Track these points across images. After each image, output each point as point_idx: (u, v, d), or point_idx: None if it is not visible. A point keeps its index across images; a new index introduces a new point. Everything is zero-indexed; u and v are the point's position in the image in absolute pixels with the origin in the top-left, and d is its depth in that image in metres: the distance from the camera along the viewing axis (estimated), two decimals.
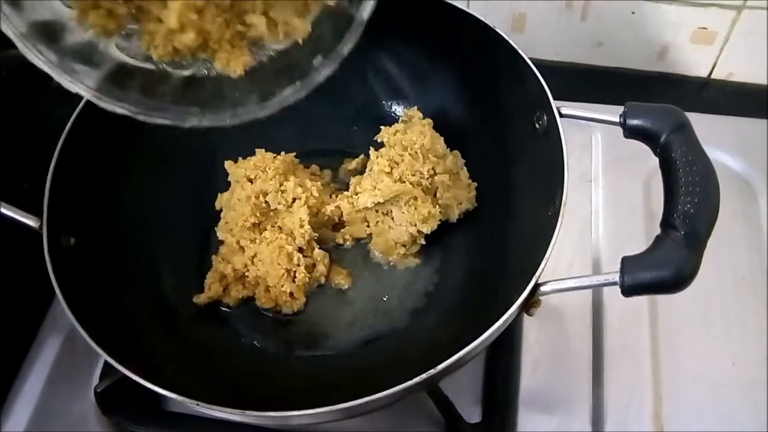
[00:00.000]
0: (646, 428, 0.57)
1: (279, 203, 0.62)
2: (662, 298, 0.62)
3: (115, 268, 0.57)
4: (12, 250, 0.58)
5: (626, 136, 0.50)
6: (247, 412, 0.44)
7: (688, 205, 0.44)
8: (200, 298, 0.61)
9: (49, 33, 0.41)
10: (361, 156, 0.68)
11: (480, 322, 0.46)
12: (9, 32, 0.39)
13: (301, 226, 0.61)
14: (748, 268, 0.65)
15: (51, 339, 0.63)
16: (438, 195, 0.63)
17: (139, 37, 0.43)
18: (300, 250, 0.62)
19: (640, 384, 0.59)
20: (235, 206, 0.63)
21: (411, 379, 0.43)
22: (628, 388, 0.59)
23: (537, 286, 0.47)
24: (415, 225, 0.62)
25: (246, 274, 0.61)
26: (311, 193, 0.62)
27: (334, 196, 0.65)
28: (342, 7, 0.44)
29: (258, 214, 0.62)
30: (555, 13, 0.76)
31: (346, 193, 0.64)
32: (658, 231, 0.45)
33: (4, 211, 0.52)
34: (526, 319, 0.61)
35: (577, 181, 0.70)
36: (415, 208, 0.61)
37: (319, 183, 0.64)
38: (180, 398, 0.44)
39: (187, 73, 0.46)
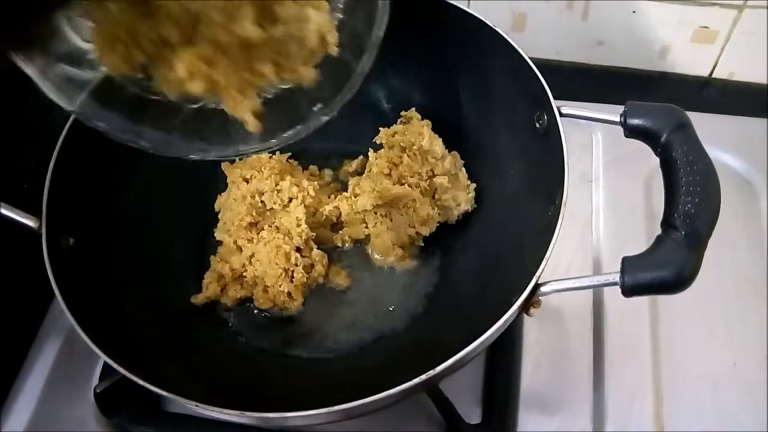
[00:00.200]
0: (647, 428, 0.57)
1: (275, 203, 0.62)
2: (663, 299, 0.62)
3: (115, 269, 0.57)
4: (11, 251, 0.58)
5: (627, 136, 0.49)
6: (247, 413, 0.44)
7: (689, 205, 0.44)
8: (198, 299, 0.61)
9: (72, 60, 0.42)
10: (360, 157, 0.68)
11: (480, 322, 0.46)
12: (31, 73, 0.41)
13: (298, 226, 0.61)
14: (749, 268, 0.65)
15: (50, 340, 0.63)
16: (437, 196, 0.63)
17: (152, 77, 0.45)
18: (298, 250, 0.62)
19: (640, 384, 0.59)
20: (231, 206, 0.63)
21: (411, 379, 0.43)
22: (628, 389, 0.59)
23: (537, 286, 0.47)
24: (414, 227, 0.62)
25: (244, 274, 0.61)
26: (308, 193, 0.62)
27: (333, 196, 0.65)
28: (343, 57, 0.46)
29: (254, 214, 0.62)
30: (556, 13, 0.76)
31: (345, 193, 0.64)
32: (658, 231, 0.45)
33: (3, 211, 0.52)
34: (527, 320, 0.61)
35: (577, 180, 0.70)
36: (414, 210, 0.61)
37: (315, 183, 0.64)
38: (179, 399, 0.44)
39: (195, 106, 0.47)
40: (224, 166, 0.65)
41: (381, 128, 0.64)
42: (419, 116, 0.66)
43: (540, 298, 0.47)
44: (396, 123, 0.66)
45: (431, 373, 0.43)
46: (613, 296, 0.62)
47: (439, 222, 0.63)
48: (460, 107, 0.67)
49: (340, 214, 0.64)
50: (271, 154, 0.64)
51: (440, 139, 0.64)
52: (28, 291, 0.62)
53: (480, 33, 0.59)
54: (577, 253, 0.66)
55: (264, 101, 0.46)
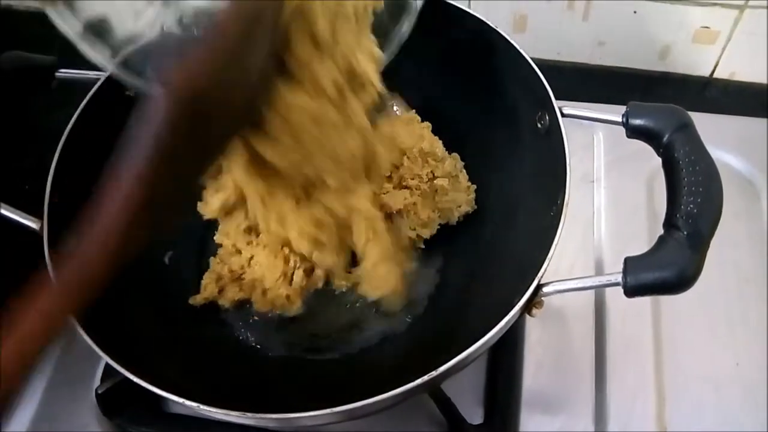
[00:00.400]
0: (649, 429, 0.57)
1: None
2: (665, 299, 0.62)
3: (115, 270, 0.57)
4: (12, 252, 0.58)
5: (629, 136, 0.49)
6: (248, 414, 0.44)
7: (691, 205, 0.44)
8: (196, 299, 0.61)
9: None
10: None
11: (482, 323, 0.46)
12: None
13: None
14: (751, 268, 0.65)
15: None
16: (437, 198, 0.62)
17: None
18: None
19: (642, 385, 0.59)
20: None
21: (413, 380, 0.43)
22: (630, 389, 0.59)
23: (539, 286, 0.47)
24: (415, 229, 0.61)
25: (243, 276, 0.61)
26: None
27: None
28: None
29: (250, 215, 0.61)
30: (557, 13, 0.76)
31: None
32: (660, 231, 0.45)
33: (4, 212, 0.52)
34: (529, 320, 0.61)
35: (579, 181, 0.70)
36: (415, 213, 0.61)
37: None
38: (181, 400, 0.44)
39: None
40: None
41: None
42: (419, 118, 0.66)
43: (542, 298, 0.47)
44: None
45: (433, 373, 0.43)
46: (615, 297, 0.62)
47: (440, 224, 0.63)
48: (461, 108, 0.67)
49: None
50: None
51: (440, 141, 0.64)
52: None
53: (481, 33, 0.59)
54: (579, 253, 0.66)
55: None
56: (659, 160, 0.48)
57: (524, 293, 0.46)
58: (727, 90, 0.79)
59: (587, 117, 0.53)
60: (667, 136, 0.47)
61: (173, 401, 0.45)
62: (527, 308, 0.48)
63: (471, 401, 0.58)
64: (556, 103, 0.53)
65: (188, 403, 0.44)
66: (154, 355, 0.54)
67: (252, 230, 0.62)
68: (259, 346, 0.60)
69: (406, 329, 0.60)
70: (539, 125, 0.56)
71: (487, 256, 0.61)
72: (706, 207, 0.44)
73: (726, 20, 0.73)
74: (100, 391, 0.57)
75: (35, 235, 0.51)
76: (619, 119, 0.49)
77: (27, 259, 0.51)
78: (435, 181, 0.62)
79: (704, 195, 0.44)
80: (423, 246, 0.63)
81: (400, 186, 0.61)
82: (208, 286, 0.61)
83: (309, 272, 0.61)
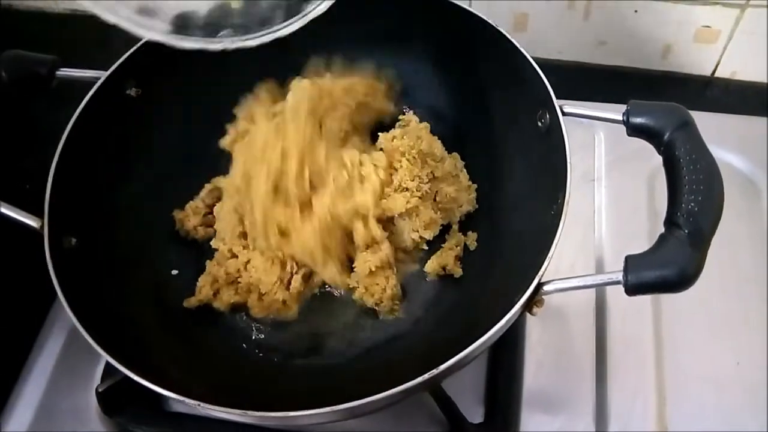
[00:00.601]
0: (650, 428, 0.57)
1: None
2: (666, 298, 0.62)
3: (117, 269, 0.57)
4: (13, 251, 0.58)
5: (629, 135, 0.49)
6: (249, 413, 0.44)
7: (692, 204, 0.44)
8: (190, 301, 0.60)
9: None
10: None
11: (482, 321, 0.46)
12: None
13: None
14: (751, 267, 0.65)
15: (52, 339, 0.63)
16: (438, 198, 0.62)
17: None
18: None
19: (643, 384, 0.59)
20: (225, 216, 0.62)
21: (413, 378, 0.43)
22: (631, 388, 0.59)
23: (540, 285, 0.46)
24: (417, 231, 0.61)
25: (239, 279, 0.60)
26: None
27: None
28: None
29: (246, 224, 0.61)
30: (558, 12, 0.76)
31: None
32: (661, 230, 0.45)
33: (5, 211, 0.52)
34: (529, 319, 0.61)
35: (579, 180, 0.70)
36: (417, 215, 0.61)
37: None
38: (182, 398, 0.44)
39: None
40: (218, 178, 0.65)
41: (380, 133, 0.64)
42: (417, 119, 0.65)
43: (543, 297, 0.47)
44: (394, 127, 0.65)
45: (434, 372, 0.43)
46: (616, 295, 0.62)
47: (441, 224, 0.63)
48: (461, 107, 0.67)
49: None
50: None
51: (439, 141, 0.64)
52: (30, 291, 0.62)
53: (482, 32, 0.59)
54: (580, 252, 0.66)
55: None
56: (660, 158, 0.48)
57: (525, 291, 0.46)
58: (728, 89, 0.79)
59: (588, 115, 0.53)
60: (667, 134, 0.47)
61: (174, 399, 0.45)
62: (528, 307, 0.48)
63: (471, 400, 0.58)
64: (556, 102, 0.53)
65: (189, 401, 0.44)
66: (154, 354, 0.54)
67: (248, 235, 0.62)
68: (259, 346, 0.60)
69: (407, 328, 0.60)
70: (540, 124, 0.56)
71: (487, 256, 0.61)
72: (707, 205, 0.44)
73: (727, 19, 0.73)
74: (100, 390, 0.57)
75: (35, 234, 0.51)
76: (620, 118, 0.49)
77: (27, 257, 0.51)
78: (435, 181, 0.62)
79: (705, 193, 0.44)
80: (426, 247, 0.63)
81: (400, 188, 0.61)
82: (203, 289, 0.60)
83: (307, 277, 0.61)
